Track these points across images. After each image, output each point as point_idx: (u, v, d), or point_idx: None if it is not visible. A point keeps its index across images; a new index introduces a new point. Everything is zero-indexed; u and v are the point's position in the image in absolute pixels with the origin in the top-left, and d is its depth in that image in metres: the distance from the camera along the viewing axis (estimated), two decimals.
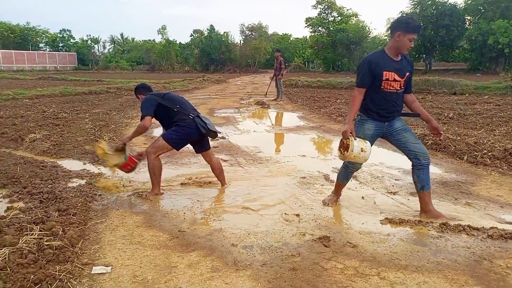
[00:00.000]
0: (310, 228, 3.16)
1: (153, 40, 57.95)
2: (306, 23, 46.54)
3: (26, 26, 55.69)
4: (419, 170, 3.29)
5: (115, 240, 2.86)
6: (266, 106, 12.20)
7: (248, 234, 3.04)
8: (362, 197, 3.93)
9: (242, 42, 55.73)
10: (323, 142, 6.97)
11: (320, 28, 45.79)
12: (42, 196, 3.56)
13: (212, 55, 50.16)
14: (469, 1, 34.89)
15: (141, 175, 4.61)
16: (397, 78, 3.21)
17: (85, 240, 2.78)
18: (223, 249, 2.76)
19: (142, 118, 3.83)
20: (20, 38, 53.48)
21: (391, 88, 3.23)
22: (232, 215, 3.49)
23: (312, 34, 47.28)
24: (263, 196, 3.96)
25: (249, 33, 56.38)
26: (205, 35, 53.36)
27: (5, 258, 2.32)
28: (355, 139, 3.22)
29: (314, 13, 46.06)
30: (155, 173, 3.89)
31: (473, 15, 35.37)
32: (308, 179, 4.53)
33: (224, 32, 54.07)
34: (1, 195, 3.72)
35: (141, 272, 2.42)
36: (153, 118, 3.92)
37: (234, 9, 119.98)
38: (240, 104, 12.88)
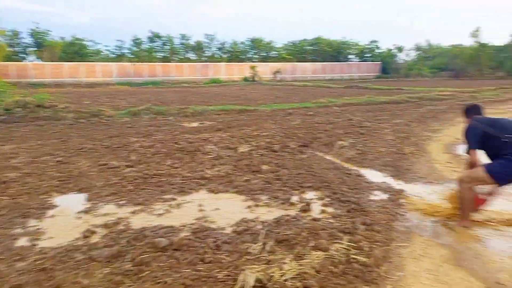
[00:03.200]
0: None
1: (461, 45, 53.05)
2: None
3: (342, 40, 63.41)
4: None
5: (419, 271, 2.68)
6: None
7: None
8: None
9: None
10: None
11: None
12: (350, 205, 3.82)
13: None
14: None
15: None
16: None
17: (389, 263, 2.74)
18: None
19: (467, 152, 3.51)
20: (335, 51, 61.54)
21: None
22: None
23: None
24: None
25: None
26: None
27: (320, 262, 2.58)
28: None
29: None
30: (464, 203, 3.42)
31: None
32: None
33: None
34: (317, 197, 4.25)
35: None
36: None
37: None
38: None
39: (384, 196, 4.28)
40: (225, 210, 3.90)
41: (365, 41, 64.70)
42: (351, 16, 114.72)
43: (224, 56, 57.89)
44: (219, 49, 59.19)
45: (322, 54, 60.19)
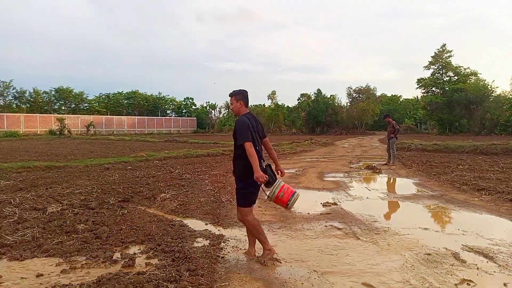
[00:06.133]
0: None
1: (263, 105, 61.84)
2: (418, 84, 44.97)
3: (158, 95, 64.87)
4: None
5: None
6: (378, 170, 11.75)
7: None
8: (505, 284, 3.42)
9: (348, 104, 55.93)
10: (447, 214, 6.36)
11: (433, 89, 43.71)
12: (174, 254, 3.92)
13: (318, 117, 51.15)
14: None
15: None
16: None
17: None
18: None
19: (242, 142, 3.71)
20: (152, 106, 62.28)
21: None
22: None
23: (425, 94, 45.28)
24: (384, 272, 3.73)
25: (356, 96, 56.48)
26: (312, 98, 55.06)
27: None
28: None
29: (427, 74, 44.42)
30: (258, 231, 3.97)
31: None
32: (434, 257, 4.14)
33: (331, 95, 55.23)
34: (140, 251, 4.18)
35: None
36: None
37: (341, 74, 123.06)
38: (350, 168, 12.65)
39: (206, 242, 4.55)
40: (31, 279, 3.42)
41: (181, 97, 68.09)
42: (165, 73, 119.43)
43: (23, 106, 51.13)
44: (16, 98, 52.09)
45: (139, 108, 60.09)
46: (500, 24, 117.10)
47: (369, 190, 8.62)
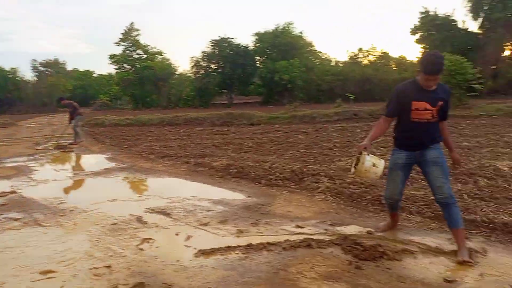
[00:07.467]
0: (122, 278, 3.01)
1: None
2: (110, 60, 45.16)
3: None
4: (441, 207, 3.28)
5: None
6: (68, 150, 11.09)
7: None
8: (176, 234, 3.99)
9: (35, 79, 49.73)
10: (135, 183, 6.79)
11: (125, 65, 45.16)
12: None
13: None
14: (258, 44, 40.98)
15: None
16: (428, 107, 3.12)
17: None
18: None
19: None
20: None
21: (421, 118, 3.16)
22: (32, 283, 3.00)
23: (118, 71, 46.16)
24: (68, 253, 3.55)
25: (44, 70, 50.98)
26: None
27: None
28: (368, 155, 3.24)
29: (118, 50, 45.20)
30: None
31: (261, 55, 41.73)
32: (120, 225, 4.31)
33: (11, 68, 47.15)
34: None
35: None
36: None
37: (24, 44, 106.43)
38: (36, 150, 11.32)
39: None
40: None
41: None
42: None
43: None
44: None
45: None
46: (178, 10, 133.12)
47: (57, 171, 8.02)
